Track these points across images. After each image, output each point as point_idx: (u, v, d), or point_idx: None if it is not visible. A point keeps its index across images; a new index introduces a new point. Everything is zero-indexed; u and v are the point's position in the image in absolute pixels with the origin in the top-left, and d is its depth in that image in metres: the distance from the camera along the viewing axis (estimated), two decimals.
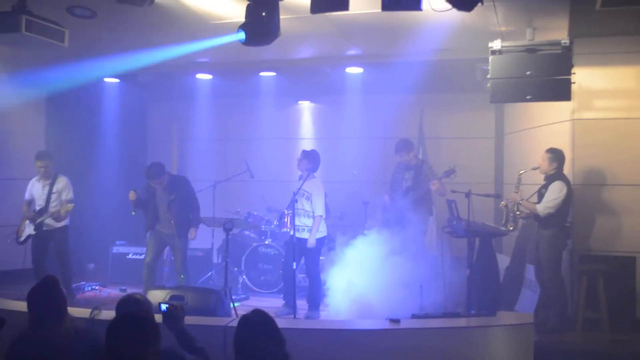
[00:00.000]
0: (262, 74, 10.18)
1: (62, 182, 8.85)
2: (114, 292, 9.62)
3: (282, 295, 8.75)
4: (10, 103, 10.09)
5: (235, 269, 9.86)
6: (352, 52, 8.84)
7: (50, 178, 8.83)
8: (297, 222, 8.26)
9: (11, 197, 10.29)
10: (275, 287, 9.65)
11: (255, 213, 10.35)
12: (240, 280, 9.85)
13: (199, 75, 10.53)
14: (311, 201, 8.32)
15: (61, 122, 10.92)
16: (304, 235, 8.30)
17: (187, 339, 4.25)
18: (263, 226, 10.17)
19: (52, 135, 11.13)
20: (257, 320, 3.73)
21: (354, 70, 9.85)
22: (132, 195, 8.45)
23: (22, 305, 4.55)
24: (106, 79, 10.82)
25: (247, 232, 10.40)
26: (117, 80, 10.89)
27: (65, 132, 10.73)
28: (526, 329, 5.90)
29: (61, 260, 8.86)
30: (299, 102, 12.04)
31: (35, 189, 8.90)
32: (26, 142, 10.78)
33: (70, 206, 8.62)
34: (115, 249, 10.54)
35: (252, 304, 9.04)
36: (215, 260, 10.72)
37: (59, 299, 4.02)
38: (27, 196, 8.99)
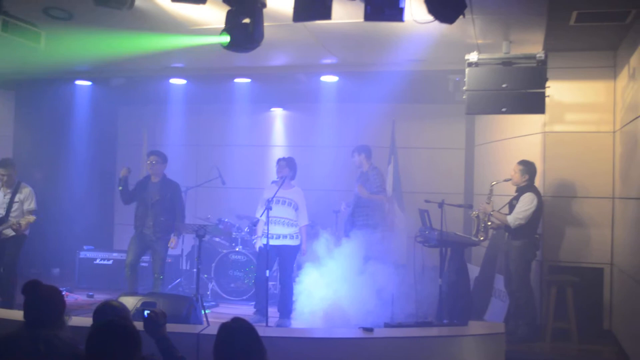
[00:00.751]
0: (236, 80, 10.15)
1: (25, 191, 8.44)
2: (81, 298, 9.48)
3: (252, 303, 8.73)
4: None
5: (205, 275, 9.80)
6: (327, 60, 8.85)
7: (12, 187, 8.41)
8: (273, 230, 8.24)
9: None
10: (245, 295, 9.63)
11: (226, 220, 10.33)
12: (210, 287, 9.81)
13: (173, 80, 10.44)
14: (297, 210, 8.38)
15: (30, 124, 10.79)
16: (280, 242, 8.28)
17: (168, 346, 4.20)
18: (234, 233, 10.15)
19: (20, 137, 11.00)
20: (239, 328, 3.69)
21: (329, 78, 9.87)
22: (124, 172, 8.59)
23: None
24: (77, 82, 10.68)
25: (217, 239, 10.36)
26: (88, 82, 10.75)
27: (35, 135, 10.63)
28: (497, 338, 5.97)
29: (9, 268, 8.30)
30: (272, 109, 12.04)
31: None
32: None
33: (32, 218, 8.25)
34: (82, 254, 10.40)
35: (222, 311, 9.00)
36: (183, 266, 10.66)
37: (54, 301, 4.00)
38: None
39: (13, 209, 8.31)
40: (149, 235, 8.50)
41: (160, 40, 7.64)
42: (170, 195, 8.60)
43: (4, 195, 8.37)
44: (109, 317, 4.05)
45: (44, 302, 4.01)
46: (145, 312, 4.41)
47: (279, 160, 8.62)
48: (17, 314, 5.54)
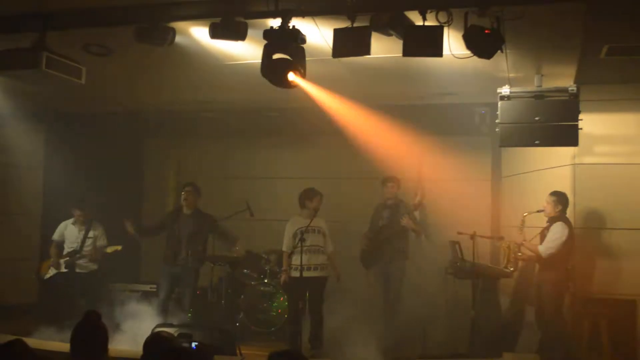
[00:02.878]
0: (264, 113, 10.28)
1: (98, 229, 9.37)
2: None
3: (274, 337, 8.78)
4: (10, 137, 10.16)
5: (235, 307, 9.82)
6: (357, 94, 8.94)
7: (86, 224, 9.27)
8: (307, 260, 8.30)
9: (8, 231, 10.30)
10: (273, 326, 9.62)
11: (254, 251, 10.38)
12: (238, 319, 9.81)
13: (203, 113, 10.59)
14: (324, 237, 8.45)
15: (60, 156, 10.90)
16: (311, 274, 8.32)
17: None
18: (262, 265, 10.19)
19: (50, 169, 11.13)
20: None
21: (357, 111, 9.94)
22: (128, 227, 8.90)
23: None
24: (109, 115, 10.86)
25: (245, 271, 10.38)
26: (119, 116, 10.93)
27: (64, 167, 10.72)
28: None
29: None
30: (301, 141, 12.11)
31: (69, 232, 9.29)
32: (24, 176, 10.81)
33: (118, 247, 9.22)
34: (110, 286, 10.44)
35: (251, 342, 8.99)
36: (209, 297, 10.67)
37: (100, 334, 4.05)
38: (56, 237, 9.33)
39: (87, 244, 9.16)
40: (181, 268, 8.60)
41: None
42: (205, 228, 8.70)
43: (79, 231, 9.22)
44: (161, 347, 4.12)
45: (96, 334, 4.09)
46: (194, 344, 4.47)
47: (300, 195, 8.71)
48: (61, 346, 5.63)
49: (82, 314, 4.24)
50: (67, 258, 9.10)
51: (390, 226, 9.01)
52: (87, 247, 9.16)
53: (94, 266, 9.27)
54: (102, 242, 9.32)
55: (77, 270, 9.11)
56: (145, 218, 12.00)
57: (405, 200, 9.31)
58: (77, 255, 9.07)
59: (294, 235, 8.43)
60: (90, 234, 9.20)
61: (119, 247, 9.17)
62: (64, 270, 9.09)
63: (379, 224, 9.22)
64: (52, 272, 9.17)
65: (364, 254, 9.30)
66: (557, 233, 7.52)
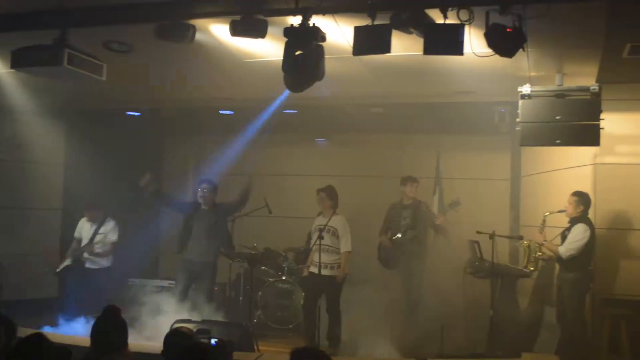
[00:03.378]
0: (284, 111, 10.28)
1: (109, 224, 9.38)
2: None
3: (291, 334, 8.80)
4: (31, 134, 10.25)
5: (253, 303, 9.85)
6: (376, 91, 8.94)
7: (98, 221, 9.36)
8: (327, 259, 8.31)
9: (30, 227, 10.39)
10: (291, 323, 9.66)
11: (273, 248, 10.41)
12: (257, 315, 9.84)
13: (221, 111, 10.63)
14: (337, 237, 8.40)
15: (80, 153, 10.99)
16: (327, 272, 8.33)
17: None
18: (281, 262, 10.23)
19: (71, 166, 11.22)
20: (311, 358, 3.72)
21: (376, 109, 9.97)
22: (144, 180, 8.85)
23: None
24: (128, 112, 10.93)
25: (263, 268, 10.41)
26: (138, 114, 11.00)
27: (84, 164, 10.80)
28: None
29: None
30: (318, 139, 12.14)
31: (84, 228, 9.42)
32: (45, 172, 10.89)
33: (104, 244, 9.19)
34: (131, 281, 10.49)
35: (270, 339, 9.02)
36: (227, 294, 10.71)
37: (120, 329, 4.08)
38: (76, 234, 9.48)
39: (96, 239, 9.21)
40: (199, 264, 8.62)
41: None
42: (225, 216, 8.90)
43: (91, 227, 9.35)
44: (181, 343, 4.14)
45: (115, 328, 4.12)
46: (213, 340, 4.49)
47: (318, 191, 8.71)
48: (82, 340, 5.66)
49: (96, 309, 4.28)
50: (77, 251, 9.21)
51: (414, 226, 8.99)
52: (97, 242, 9.22)
53: (106, 262, 9.32)
54: (112, 237, 9.35)
55: (88, 265, 9.18)
56: (164, 215, 12.06)
57: (423, 201, 9.33)
58: (82, 249, 9.16)
59: (313, 233, 8.50)
60: (102, 229, 9.27)
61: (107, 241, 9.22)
62: (70, 263, 9.17)
63: (400, 223, 9.20)
64: (64, 264, 9.25)
65: (384, 254, 9.30)
66: (579, 235, 7.46)
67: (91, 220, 9.35)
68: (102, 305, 4.36)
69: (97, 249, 9.17)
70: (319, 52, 5.81)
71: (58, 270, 9.25)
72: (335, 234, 8.44)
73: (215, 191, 8.91)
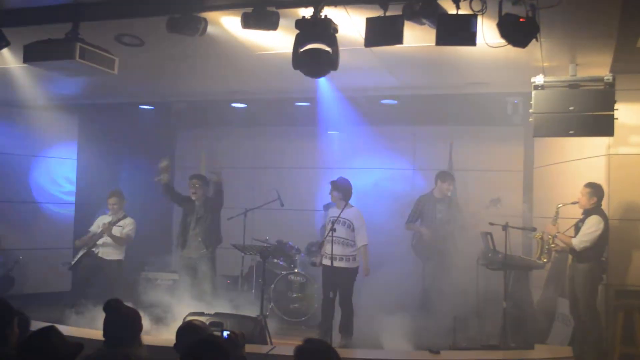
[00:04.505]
0: (296, 103, 10.29)
1: (128, 220, 9.36)
2: None
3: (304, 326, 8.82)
4: (44, 128, 10.30)
5: (265, 296, 9.87)
6: (388, 84, 8.91)
7: (118, 215, 9.33)
8: (335, 251, 8.27)
9: (42, 221, 10.45)
10: (304, 316, 9.68)
11: (285, 241, 10.42)
12: (269, 308, 9.86)
13: (233, 104, 10.64)
14: (353, 230, 8.39)
15: (93, 147, 11.05)
16: (338, 264, 8.32)
17: None
18: (293, 254, 10.24)
19: (83, 160, 11.27)
20: (318, 350, 3.71)
21: (388, 101, 9.95)
22: (163, 162, 9.02)
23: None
24: (141, 106, 10.96)
25: (276, 260, 10.42)
26: (151, 107, 11.03)
27: (97, 158, 10.86)
28: None
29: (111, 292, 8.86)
30: (330, 131, 12.12)
31: (104, 221, 9.34)
32: (58, 167, 10.95)
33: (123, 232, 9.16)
34: (144, 274, 10.55)
35: (282, 333, 9.03)
36: (241, 287, 10.73)
37: (132, 321, 4.09)
38: (93, 228, 9.42)
39: (113, 231, 9.13)
40: (196, 258, 8.72)
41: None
42: (213, 207, 9.00)
43: (111, 219, 9.25)
44: (193, 336, 4.15)
45: (124, 321, 4.13)
46: (225, 333, 4.49)
47: (330, 183, 8.73)
48: (95, 334, 5.69)
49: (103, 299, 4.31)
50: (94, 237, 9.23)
51: (449, 220, 9.05)
52: (115, 231, 9.19)
53: (118, 255, 9.30)
54: (129, 231, 9.33)
55: (101, 256, 9.17)
56: (176, 208, 12.08)
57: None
58: (96, 237, 9.15)
59: (327, 224, 8.52)
60: (120, 223, 9.24)
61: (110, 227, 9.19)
62: (84, 252, 9.18)
63: (436, 217, 9.27)
64: (80, 254, 9.25)
65: (421, 246, 9.39)
66: (593, 227, 7.42)
67: (113, 211, 9.32)
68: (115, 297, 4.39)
69: (116, 232, 9.14)
70: (333, 42, 5.77)
71: (73, 262, 9.25)
72: (350, 226, 8.42)
73: (207, 186, 8.94)
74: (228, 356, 3.38)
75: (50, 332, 3.64)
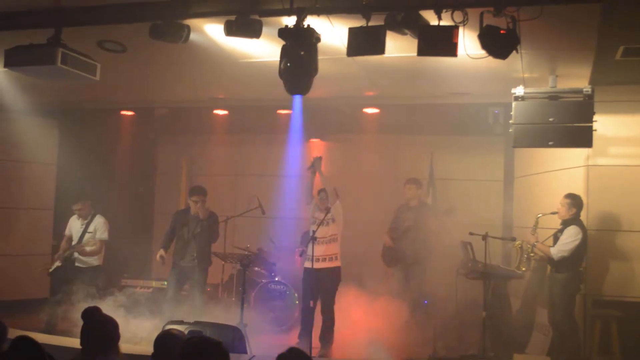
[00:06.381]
0: (278, 111, 10.31)
1: (99, 222, 9.14)
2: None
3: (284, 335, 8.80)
4: (24, 133, 10.23)
5: (245, 305, 9.83)
6: (370, 92, 8.96)
7: (88, 217, 9.14)
8: (321, 252, 8.32)
9: (22, 226, 10.36)
10: (284, 324, 9.64)
11: (266, 249, 10.40)
12: (249, 316, 9.81)
13: (215, 111, 10.64)
14: (336, 222, 8.47)
15: (73, 153, 10.98)
16: (321, 265, 8.32)
17: None
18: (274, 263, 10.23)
19: (64, 166, 11.20)
20: (296, 358, 3.71)
21: (370, 110, 10.00)
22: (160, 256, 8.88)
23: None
24: (122, 112, 10.93)
25: (256, 269, 10.39)
26: (132, 113, 10.99)
27: (77, 163, 10.79)
28: None
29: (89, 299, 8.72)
30: (312, 139, 12.12)
31: (74, 226, 9.23)
32: (38, 172, 10.87)
33: (94, 243, 8.97)
34: (123, 282, 10.48)
35: (262, 340, 9.00)
36: (219, 295, 10.69)
37: (109, 330, 4.07)
38: (66, 232, 9.31)
39: (85, 238, 9.03)
40: (188, 268, 8.67)
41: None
42: (214, 226, 8.85)
43: (81, 225, 9.14)
44: (170, 345, 4.12)
45: (101, 330, 4.10)
46: None
47: (319, 191, 8.70)
48: (72, 342, 5.65)
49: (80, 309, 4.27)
50: (68, 251, 9.02)
51: (416, 228, 9.04)
52: (86, 241, 9.03)
53: (95, 261, 9.11)
54: (101, 235, 9.11)
55: (77, 264, 8.99)
56: (157, 214, 12.07)
57: (427, 204, 9.40)
58: (72, 248, 8.98)
59: (311, 225, 8.61)
60: (91, 227, 9.08)
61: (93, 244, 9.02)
62: (59, 264, 9.02)
63: (404, 224, 9.27)
64: (55, 265, 9.10)
65: (388, 253, 9.37)
66: (571, 237, 7.48)
67: (81, 215, 9.17)
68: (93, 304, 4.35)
69: (88, 247, 8.98)
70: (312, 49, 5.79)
71: (51, 270, 9.12)
72: (333, 221, 8.47)
73: (205, 196, 8.91)
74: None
75: (23, 342, 3.61)
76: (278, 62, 5.87)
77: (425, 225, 9.09)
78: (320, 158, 8.55)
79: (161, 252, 8.93)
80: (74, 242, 9.12)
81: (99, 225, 9.12)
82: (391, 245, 9.39)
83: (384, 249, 9.53)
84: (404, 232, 9.21)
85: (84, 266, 9.01)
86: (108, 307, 7.60)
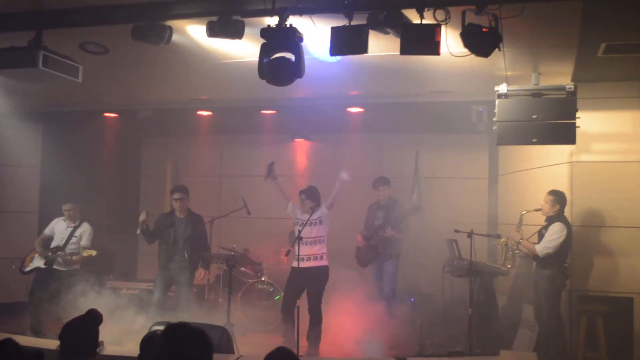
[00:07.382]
0: (262, 111, 10.29)
1: (85, 228, 9.12)
2: None
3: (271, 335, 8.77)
4: (6, 136, 10.16)
5: (232, 305, 9.82)
6: (354, 92, 8.97)
7: (76, 221, 9.13)
8: (307, 252, 8.34)
9: (6, 229, 10.28)
10: (271, 324, 9.63)
11: (252, 249, 10.38)
12: (236, 316, 9.79)
13: (199, 112, 10.61)
14: (322, 222, 8.46)
15: (56, 155, 10.92)
16: (307, 264, 8.34)
17: None
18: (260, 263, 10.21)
19: (47, 168, 11.14)
20: (284, 358, 3.72)
21: (354, 109, 10.00)
22: (142, 216, 8.71)
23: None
24: (105, 114, 10.87)
25: (243, 269, 10.38)
26: (116, 115, 10.94)
27: (61, 166, 10.73)
28: None
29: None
30: (297, 139, 12.11)
31: (59, 227, 9.15)
32: (21, 175, 10.80)
33: (92, 252, 8.82)
34: (109, 283, 10.40)
35: (249, 340, 9.00)
36: (207, 296, 10.67)
37: (90, 332, 4.05)
38: (47, 231, 9.23)
39: (71, 241, 8.99)
40: (176, 270, 8.63)
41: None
42: (201, 228, 8.75)
43: (66, 228, 9.10)
44: (156, 347, 4.10)
45: (80, 332, 4.08)
46: None
47: (299, 193, 8.69)
48: (52, 343, 5.60)
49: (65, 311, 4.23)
50: (50, 254, 8.91)
51: (385, 226, 9.06)
52: (71, 244, 8.98)
53: (74, 265, 9.02)
54: (85, 242, 9.04)
55: (56, 267, 8.89)
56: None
57: (399, 201, 9.39)
58: (58, 253, 8.88)
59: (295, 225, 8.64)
60: (77, 232, 9.04)
61: (94, 253, 8.82)
62: (42, 266, 8.91)
63: (374, 224, 9.28)
64: (32, 265, 9.01)
65: (359, 253, 9.39)
66: (556, 234, 7.52)
67: (69, 217, 9.10)
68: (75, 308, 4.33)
69: (75, 257, 8.90)
70: (298, 51, 5.79)
71: (26, 270, 9.03)
72: (320, 221, 8.47)
73: (188, 197, 8.86)
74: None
75: (7, 345, 3.59)
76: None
77: (397, 223, 9.11)
78: (272, 163, 8.55)
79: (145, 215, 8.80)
80: (54, 244, 9.01)
81: (84, 233, 9.08)
82: (361, 246, 9.42)
83: (356, 249, 9.53)
84: (375, 230, 9.22)
85: (63, 269, 8.91)
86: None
